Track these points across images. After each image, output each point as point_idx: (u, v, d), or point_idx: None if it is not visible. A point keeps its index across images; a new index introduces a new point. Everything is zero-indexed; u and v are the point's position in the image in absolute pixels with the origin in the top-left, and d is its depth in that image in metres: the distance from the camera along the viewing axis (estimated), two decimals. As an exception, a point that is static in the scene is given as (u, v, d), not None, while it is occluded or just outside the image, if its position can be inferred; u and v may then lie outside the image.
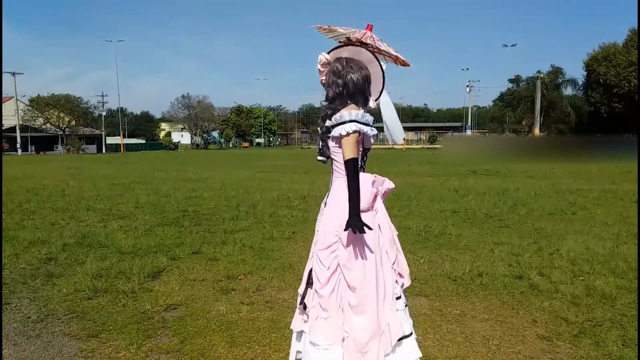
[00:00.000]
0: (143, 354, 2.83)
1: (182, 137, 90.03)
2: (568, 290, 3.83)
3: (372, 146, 2.31)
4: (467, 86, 63.67)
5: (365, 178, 2.22)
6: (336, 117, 2.16)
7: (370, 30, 2.33)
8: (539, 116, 47.63)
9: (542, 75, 49.55)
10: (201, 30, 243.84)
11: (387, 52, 2.31)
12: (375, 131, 2.22)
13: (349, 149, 2.11)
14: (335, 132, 2.14)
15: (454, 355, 2.83)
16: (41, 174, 17.17)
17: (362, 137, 2.18)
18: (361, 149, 2.23)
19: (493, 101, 70.94)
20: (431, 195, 9.89)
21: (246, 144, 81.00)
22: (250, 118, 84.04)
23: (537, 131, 47.41)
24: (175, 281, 4.18)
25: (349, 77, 2.21)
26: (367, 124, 2.17)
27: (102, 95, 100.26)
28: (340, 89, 2.23)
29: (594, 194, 9.86)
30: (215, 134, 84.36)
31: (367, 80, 2.26)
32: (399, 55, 2.33)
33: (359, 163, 2.20)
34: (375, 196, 2.24)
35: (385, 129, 2.38)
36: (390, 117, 2.33)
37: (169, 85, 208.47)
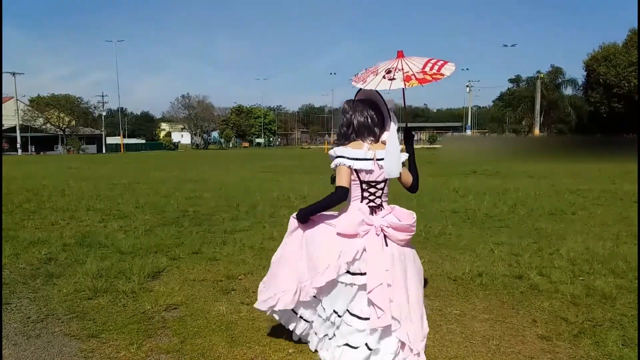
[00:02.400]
0: (143, 354, 2.83)
1: (182, 137, 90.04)
2: (568, 290, 3.83)
3: None
4: (467, 86, 63.66)
5: (354, 206, 2.55)
6: (330, 153, 2.57)
7: (401, 56, 2.56)
8: (539, 116, 47.65)
9: (542, 75, 49.56)
10: (201, 30, 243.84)
11: (424, 78, 2.43)
12: (369, 166, 2.48)
13: (337, 178, 2.50)
14: (332, 165, 2.55)
15: (454, 355, 2.83)
16: (41, 174, 17.17)
17: (352, 170, 2.49)
18: (358, 181, 2.52)
19: (493, 101, 71.02)
20: (431, 195, 9.89)
21: (246, 144, 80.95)
22: (250, 118, 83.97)
23: (537, 131, 47.43)
24: (175, 281, 4.18)
25: (353, 117, 2.55)
26: (359, 159, 2.47)
27: (102, 95, 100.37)
28: (345, 128, 2.58)
29: (594, 194, 9.86)
30: (215, 134, 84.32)
31: (373, 118, 2.54)
32: (429, 72, 2.45)
33: (358, 193, 2.54)
34: (365, 224, 2.49)
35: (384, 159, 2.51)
36: (389, 150, 2.47)
37: (169, 85, 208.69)
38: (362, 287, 2.47)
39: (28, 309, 3.56)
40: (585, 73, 48.11)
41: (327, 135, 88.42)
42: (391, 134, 2.50)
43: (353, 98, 2.65)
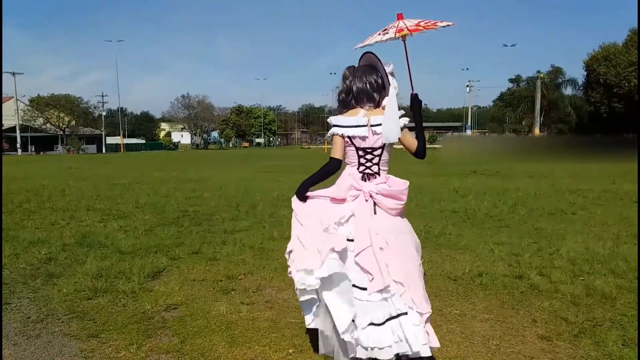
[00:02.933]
0: (143, 354, 2.83)
1: (182, 137, 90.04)
2: (568, 290, 3.83)
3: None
4: (467, 86, 63.65)
5: (346, 172, 2.53)
6: (328, 121, 2.65)
7: (401, 18, 2.56)
8: (539, 116, 47.65)
9: (542, 75, 49.56)
10: (201, 30, 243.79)
11: (416, 28, 2.48)
12: (363, 133, 2.45)
13: (332, 149, 2.54)
14: (328, 134, 2.62)
15: (454, 355, 2.83)
16: (41, 174, 17.17)
17: (346, 138, 2.48)
18: (354, 147, 2.49)
19: (493, 101, 71.04)
20: (431, 195, 9.89)
21: (246, 144, 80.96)
22: (250, 118, 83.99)
23: (537, 131, 47.45)
24: (175, 281, 4.18)
25: (352, 84, 2.53)
26: (352, 126, 2.46)
27: (102, 95, 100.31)
28: (344, 95, 2.57)
29: (594, 194, 9.86)
30: (215, 134, 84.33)
31: (372, 84, 2.51)
32: (422, 25, 2.49)
33: (354, 160, 2.51)
34: (353, 188, 2.49)
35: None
36: (387, 114, 2.45)
37: (169, 85, 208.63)
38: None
39: (28, 308, 3.56)
40: (585, 73, 48.15)
41: (326, 135, 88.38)
42: (390, 98, 2.47)
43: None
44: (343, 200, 2.49)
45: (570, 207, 8.13)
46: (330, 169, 2.52)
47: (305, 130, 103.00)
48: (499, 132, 65.73)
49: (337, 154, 2.50)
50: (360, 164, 2.51)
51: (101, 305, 3.59)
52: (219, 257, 4.94)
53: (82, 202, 9.18)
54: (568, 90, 51.66)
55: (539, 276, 4.22)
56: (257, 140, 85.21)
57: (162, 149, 65.19)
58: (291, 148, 72.28)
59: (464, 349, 2.90)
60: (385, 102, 2.50)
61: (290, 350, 2.87)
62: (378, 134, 2.45)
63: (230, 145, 79.47)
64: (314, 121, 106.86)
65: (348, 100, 2.55)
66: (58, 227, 6.67)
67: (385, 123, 2.44)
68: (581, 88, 50.06)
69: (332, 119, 2.53)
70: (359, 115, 2.47)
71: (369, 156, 2.49)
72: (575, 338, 3.01)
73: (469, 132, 62.99)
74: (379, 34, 2.54)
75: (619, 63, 43.24)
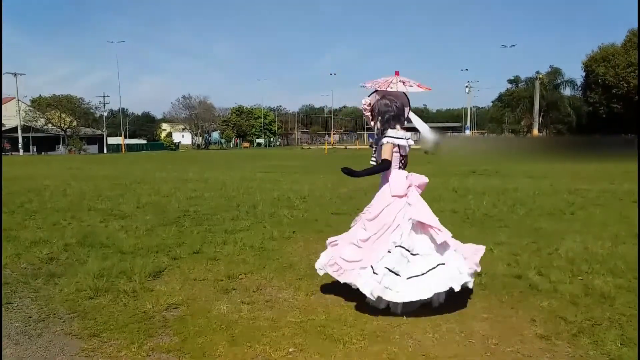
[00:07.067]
0: (144, 353, 2.85)
1: (183, 138, 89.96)
2: (567, 289, 3.84)
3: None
4: (466, 87, 63.69)
5: (401, 173, 3.55)
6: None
7: (397, 74, 3.61)
8: (537, 116, 47.67)
9: (541, 76, 49.57)
10: (201, 30, 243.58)
11: (410, 84, 3.64)
12: (407, 141, 3.57)
13: (384, 153, 3.53)
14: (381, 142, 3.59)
15: (454, 354, 2.85)
16: (43, 174, 17.18)
17: (397, 147, 3.51)
18: (399, 154, 3.53)
19: (492, 102, 70.90)
20: (431, 195, 9.89)
21: (247, 144, 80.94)
22: (251, 118, 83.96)
23: (535, 131, 47.44)
24: (176, 281, 4.20)
25: (392, 107, 3.58)
26: (401, 138, 3.51)
27: (104, 96, 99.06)
28: (388, 115, 3.58)
29: (593, 194, 9.87)
30: (216, 134, 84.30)
31: (402, 107, 3.61)
32: (420, 85, 3.66)
33: (397, 164, 3.56)
34: (409, 187, 3.52)
35: (419, 134, 3.86)
36: (420, 125, 3.79)
37: (169, 85, 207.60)
38: None
39: (29, 308, 3.58)
40: (584, 74, 48.19)
41: (327, 136, 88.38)
42: (412, 114, 3.72)
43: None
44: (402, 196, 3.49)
45: (569, 207, 8.14)
46: (381, 166, 3.54)
47: (305, 130, 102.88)
48: (498, 133, 65.66)
49: (390, 157, 3.50)
50: (401, 166, 3.59)
51: (102, 304, 3.61)
52: (220, 257, 4.96)
53: (84, 202, 9.19)
54: (567, 91, 51.78)
55: (538, 276, 4.23)
56: (258, 140, 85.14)
57: (163, 150, 65.14)
58: (291, 148, 72.22)
59: (463, 348, 2.92)
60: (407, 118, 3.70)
61: (291, 349, 2.88)
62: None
63: (231, 146, 79.43)
64: (314, 121, 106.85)
65: (391, 120, 3.55)
66: (59, 227, 6.68)
67: (422, 129, 3.90)
68: (580, 89, 50.15)
69: (390, 132, 3.50)
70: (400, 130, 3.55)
71: (403, 160, 3.61)
72: (574, 337, 3.03)
73: (468, 132, 62.97)
74: (404, 84, 3.58)
75: (618, 64, 43.30)
